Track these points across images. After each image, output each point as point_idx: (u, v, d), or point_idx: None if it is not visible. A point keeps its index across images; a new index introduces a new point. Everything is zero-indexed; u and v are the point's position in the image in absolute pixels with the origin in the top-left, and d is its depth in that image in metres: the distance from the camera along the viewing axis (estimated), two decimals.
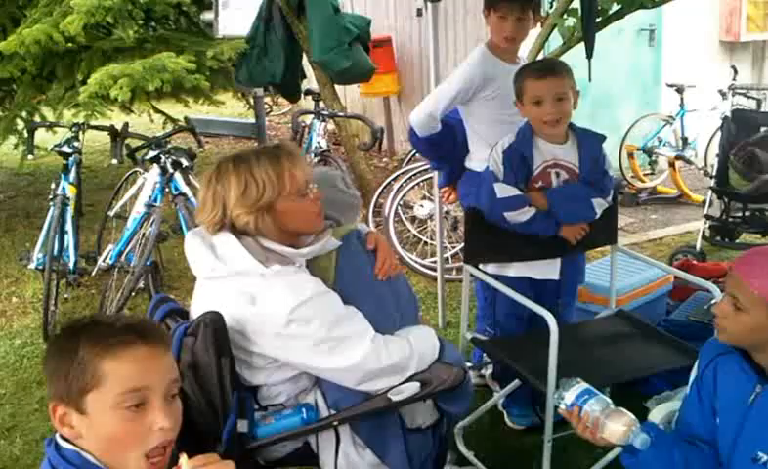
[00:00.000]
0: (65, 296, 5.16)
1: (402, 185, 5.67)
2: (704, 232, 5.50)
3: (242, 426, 2.30)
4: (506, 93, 3.35)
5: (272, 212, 2.37)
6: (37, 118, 6.25)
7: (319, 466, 2.50)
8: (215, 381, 2.26)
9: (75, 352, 1.56)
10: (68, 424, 1.57)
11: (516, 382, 3.32)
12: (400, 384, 2.42)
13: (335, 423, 2.40)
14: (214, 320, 2.24)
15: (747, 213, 5.45)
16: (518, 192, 3.14)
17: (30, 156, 5.52)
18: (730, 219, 5.48)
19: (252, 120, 8.46)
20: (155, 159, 4.87)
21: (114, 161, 5.05)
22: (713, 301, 3.80)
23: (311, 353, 2.32)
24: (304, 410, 2.39)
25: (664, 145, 7.68)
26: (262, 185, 2.34)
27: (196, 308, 2.42)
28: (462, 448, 3.33)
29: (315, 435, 2.46)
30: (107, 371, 1.54)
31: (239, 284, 2.33)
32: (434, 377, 2.46)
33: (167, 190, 4.85)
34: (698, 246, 5.46)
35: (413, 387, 2.42)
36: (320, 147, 5.93)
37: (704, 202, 5.67)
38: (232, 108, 10.84)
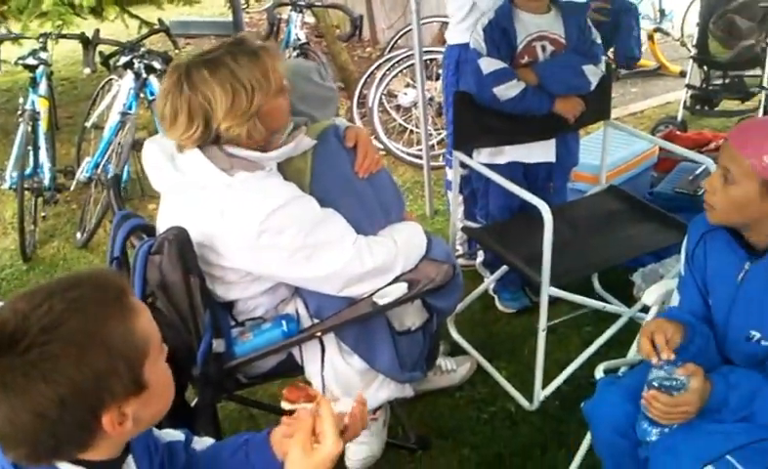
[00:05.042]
0: (43, 214, 4.86)
1: (384, 73, 5.38)
2: (685, 101, 5.36)
3: (218, 345, 2.07)
4: None
5: (259, 116, 2.04)
6: (3, 31, 5.82)
7: (305, 377, 2.31)
8: (185, 301, 2.01)
9: (104, 339, 1.16)
10: (122, 421, 1.21)
11: (506, 267, 3.17)
12: (385, 286, 2.19)
13: (318, 334, 2.18)
14: (178, 237, 1.96)
15: (728, 80, 5.34)
16: (504, 65, 2.90)
17: None
18: (710, 87, 5.36)
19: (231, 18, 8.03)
20: (128, 65, 4.56)
21: (87, 70, 4.69)
22: (698, 170, 3.69)
23: (287, 263, 2.06)
24: (284, 322, 2.15)
25: (643, 17, 7.35)
26: (251, 89, 1.99)
27: (162, 223, 2.14)
28: (456, 336, 3.19)
29: (298, 346, 2.24)
30: (142, 331, 1.22)
31: (205, 197, 2.04)
32: (422, 276, 2.24)
33: (142, 95, 4.58)
34: (679, 117, 5.31)
35: (400, 288, 2.20)
36: (299, 39, 5.57)
37: (682, 73, 5.63)
38: (213, 8, 10.37)
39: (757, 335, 1.82)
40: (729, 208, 1.80)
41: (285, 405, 1.44)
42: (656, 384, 1.76)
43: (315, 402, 1.40)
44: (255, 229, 2.00)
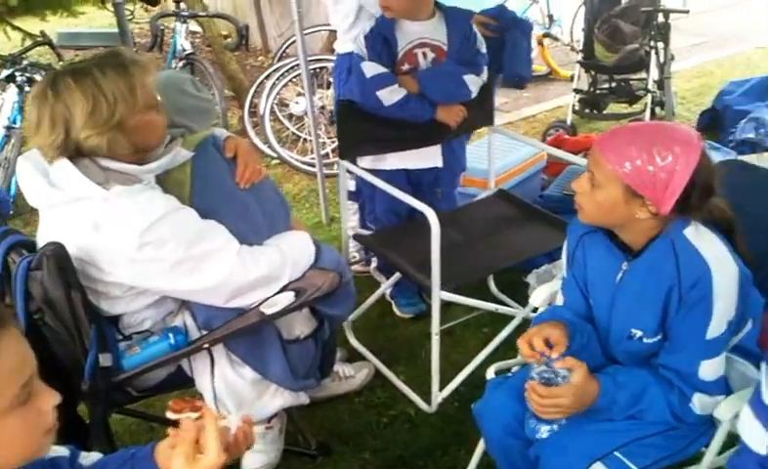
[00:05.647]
0: None
1: (274, 82, 5.36)
2: (573, 105, 5.50)
3: (105, 360, 2.05)
4: None
5: (123, 129, 2.03)
6: None
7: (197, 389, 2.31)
8: (69, 316, 1.99)
9: None
10: None
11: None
12: (273, 296, 2.21)
13: (206, 345, 2.18)
14: (56, 252, 1.93)
15: (614, 84, 5.52)
16: (386, 70, 2.94)
17: None
18: (597, 91, 5.52)
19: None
20: (10, 78, 4.48)
21: None
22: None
23: (170, 276, 2.06)
24: (171, 335, 2.15)
25: (532, 23, 7.54)
26: (113, 101, 1.99)
27: (42, 239, 2.10)
28: (354, 342, 3.23)
29: (187, 359, 2.24)
30: None
31: (80, 212, 2.01)
32: (308, 285, 2.26)
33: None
34: (568, 120, 5.47)
35: (287, 297, 2.22)
36: (185, 50, 5.51)
37: (572, 78, 5.66)
38: (102, 19, 10.12)
39: (639, 333, 1.86)
40: (597, 210, 1.83)
41: (170, 415, 1.45)
42: (535, 377, 1.81)
43: (199, 412, 1.42)
44: (135, 242, 1.99)
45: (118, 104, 2.00)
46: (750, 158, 3.98)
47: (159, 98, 2.13)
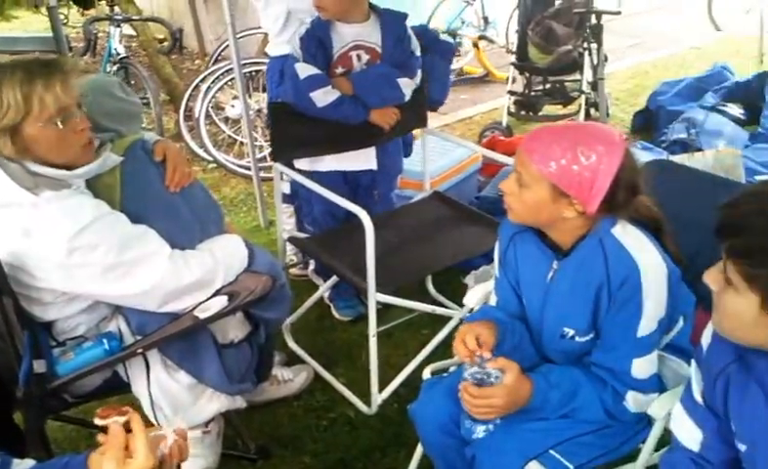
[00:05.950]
0: None
1: (210, 86, 5.36)
2: (508, 107, 5.55)
3: (39, 366, 2.05)
4: None
5: (17, 136, 2.02)
6: None
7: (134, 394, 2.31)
8: (1, 322, 1.99)
9: None
10: None
11: None
12: (206, 300, 2.23)
13: (140, 350, 2.18)
14: None
15: (548, 85, 5.57)
16: (320, 71, 2.95)
17: None
18: (532, 93, 5.57)
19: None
20: None
21: None
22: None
23: (101, 281, 2.06)
24: (105, 341, 2.15)
25: (467, 26, 7.68)
26: (6, 105, 2.00)
27: None
28: (292, 345, 3.23)
29: (123, 364, 2.24)
30: None
31: (10, 218, 2.01)
32: (242, 288, 2.28)
33: None
34: (504, 122, 5.51)
35: (220, 301, 2.24)
36: (119, 54, 5.48)
37: (508, 79, 5.69)
38: (38, 24, 9.94)
39: (571, 332, 1.88)
40: (525, 210, 1.85)
41: (98, 422, 1.46)
42: (468, 377, 1.82)
43: (126, 417, 1.43)
44: (65, 247, 1.99)
45: (10, 109, 2.00)
46: (681, 158, 4.08)
47: (80, 119, 2.11)
